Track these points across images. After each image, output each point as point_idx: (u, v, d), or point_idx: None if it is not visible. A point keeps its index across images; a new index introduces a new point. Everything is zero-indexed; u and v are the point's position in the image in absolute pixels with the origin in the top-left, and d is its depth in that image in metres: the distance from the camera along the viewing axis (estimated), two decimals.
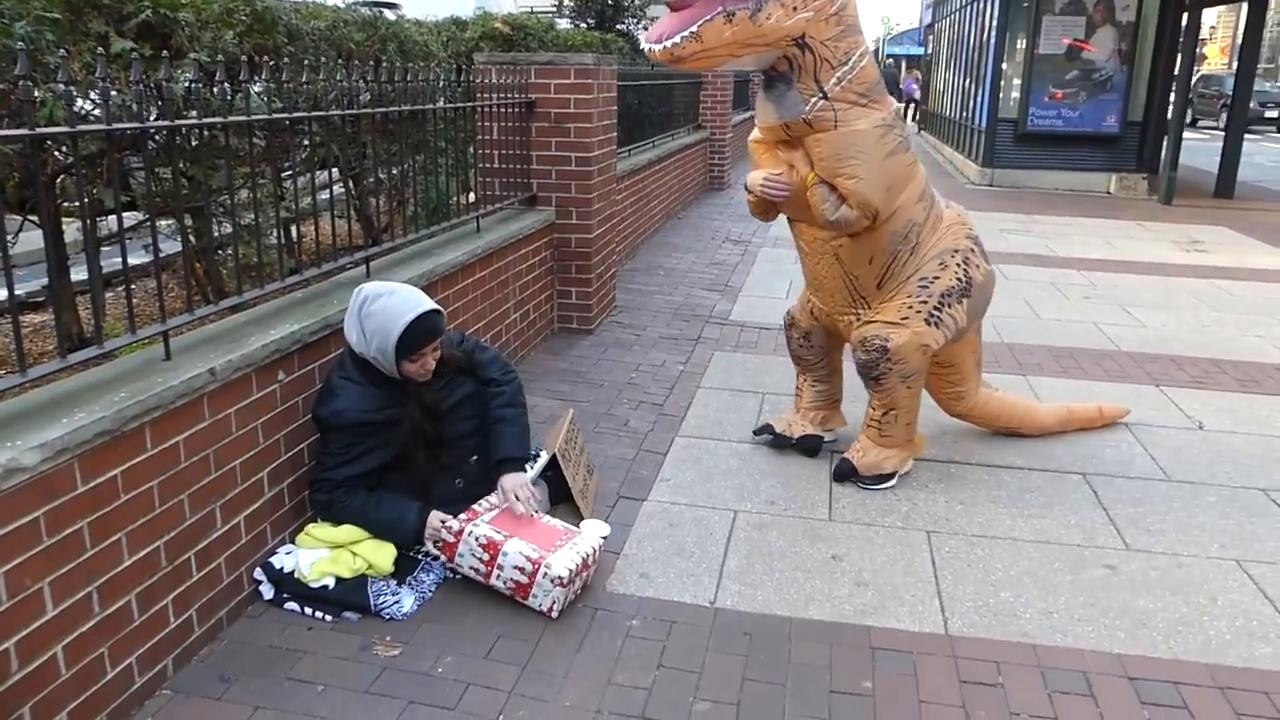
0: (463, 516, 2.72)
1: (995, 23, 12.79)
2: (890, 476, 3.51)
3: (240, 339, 2.58)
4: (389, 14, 9.68)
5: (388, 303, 2.73)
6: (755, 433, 3.89)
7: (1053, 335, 5.60)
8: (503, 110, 4.86)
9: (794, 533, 3.16)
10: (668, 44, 2.82)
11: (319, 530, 2.68)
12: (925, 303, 3.36)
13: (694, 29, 2.81)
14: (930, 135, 20.49)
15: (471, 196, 5.08)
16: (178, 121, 3.00)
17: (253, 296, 2.75)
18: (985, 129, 12.89)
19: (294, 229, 4.30)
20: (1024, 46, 12.41)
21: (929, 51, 23.68)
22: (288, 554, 2.66)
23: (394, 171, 4.53)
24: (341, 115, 3.54)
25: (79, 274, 4.18)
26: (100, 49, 3.16)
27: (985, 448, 3.90)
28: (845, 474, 3.52)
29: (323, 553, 2.63)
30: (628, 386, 4.52)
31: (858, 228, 3.20)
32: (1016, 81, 12.60)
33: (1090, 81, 12.25)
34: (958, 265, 3.43)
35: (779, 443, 3.80)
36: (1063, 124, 12.43)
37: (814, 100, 3.05)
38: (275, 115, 2.87)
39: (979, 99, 13.56)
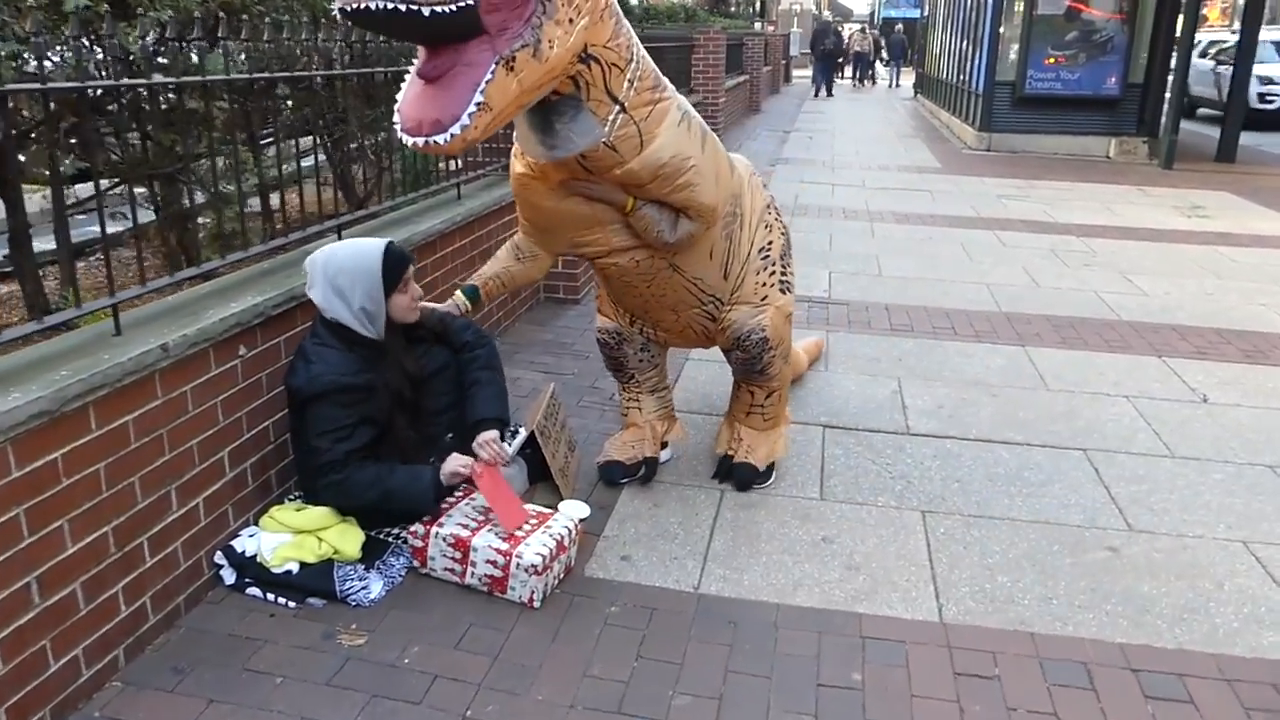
0: (427, 519, 2.59)
1: None
2: (780, 457, 3.29)
3: (198, 312, 2.43)
4: None
5: (351, 250, 2.64)
6: (604, 480, 3.20)
7: (1052, 304, 5.46)
8: None
9: (783, 513, 3.04)
10: (455, 130, 1.98)
11: (282, 514, 2.55)
12: (773, 273, 3.07)
13: (480, 98, 1.99)
14: (926, 99, 20.18)
15: (455, 163, 4.91)
16: (153, 80, 2.85)
17: (211, 268, 2.60)
18: (983, 92, 12.64)
19: (269, 197, 4.13)
20: (1022, 8, 12.14)
21: (925, 14, 23.28)
22: (250, 537, 2.53)
23: (374, 138, 4.37)
24: (308, 76, 3.36)
25: (42, 244, 4.02)
26: (50, 6, 2.99)
27: (983, 422, 3.78)
28: (747, 480, 3.17)
29: (286, 537, 2.50)
30: None
31: (698, 237, 2.74)
32: (1014, 44, 12.33)
33: (1090, 43, 11.99)
34: (774, 220, 3.17)
35: (628, 474, 3.19)
36: (1061, 87, 12.18)
37: (612, 117, 2.39)
38: (246, 76, 2.70)
39: (976, 62, 13.30)
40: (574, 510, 2.74)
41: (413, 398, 2.65)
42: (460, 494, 2.72)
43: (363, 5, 1.79)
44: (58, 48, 3.02)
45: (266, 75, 2.96)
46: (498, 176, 4.80)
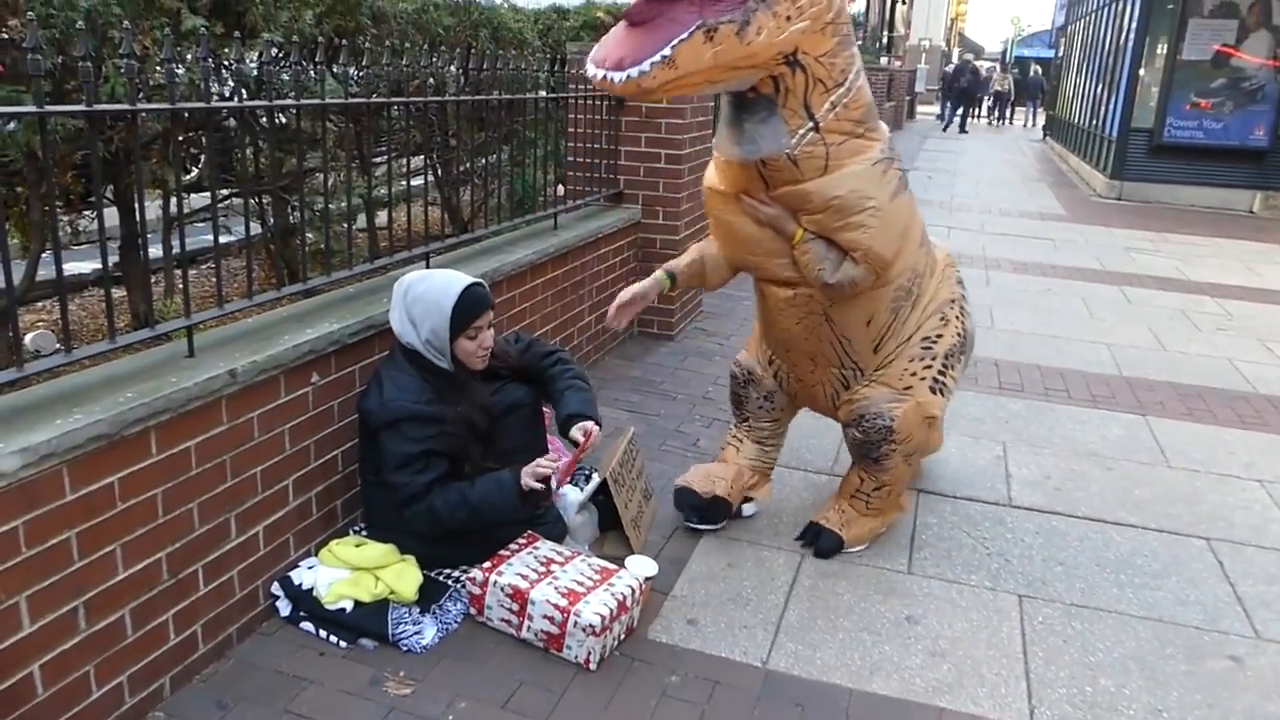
0: (486, 565, 2.49)
1: (1134, 25, 11.93)
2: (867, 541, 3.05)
3: (273, 336, 2.42)
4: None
5: (433, 283, 2.58)
6: (677, 505, 3.08)
7: (1179, 370, 5.05)
8: (592, 102, 4.64)
9: (866, 585, 2.84)
10: (633, 73, 2.07)
11: (341, 549, 2.49)
12: (929, 367, 2.84)
13: (667, 52, 2.06)
14: (1056, 142, 19.43)
15: (560, 190, 4.89)
16: (244, 103, 2.89)
17: (290, 293, 2.58)
18: (1116, 138, 12.04)
19: (374, 217, 4.16)
20: (1165, 51, 11.52)
21: (1059, 55, 22.46)
22: (309, 569, 2.49)
23: (477, 163, 4.38)
24: (420, 102, 3.37)
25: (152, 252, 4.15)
26: (169, 26, 3.07)
27: (1094, 498, 3.48)
28: (829, 550, 2.95)
29: (343, 573, 2.45)
30: (702, 401, 4.24)
31: (864, 288, 2.62)
32: (1154, 88, 11.71)
33: (1238, 90, 11.30)
34: (956, 317, 2.94)
35: (696, 503, 3.03)
36: (1204, 136, 11.51)
37: (802, 132, 2.38)
38: (348, 100, 2.71)
39: (1111, 106, 12.70)
40: (641, 568, 2.61)
41: (487, 430, 2.57)
42: (523, 541, 2.62)
43: None
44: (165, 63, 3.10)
45: (383, 100, 2.94)
46: (597, 207, 4.75)
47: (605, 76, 2.11)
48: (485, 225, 3.64)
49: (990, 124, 27.99)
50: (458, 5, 4.66)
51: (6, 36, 2.56)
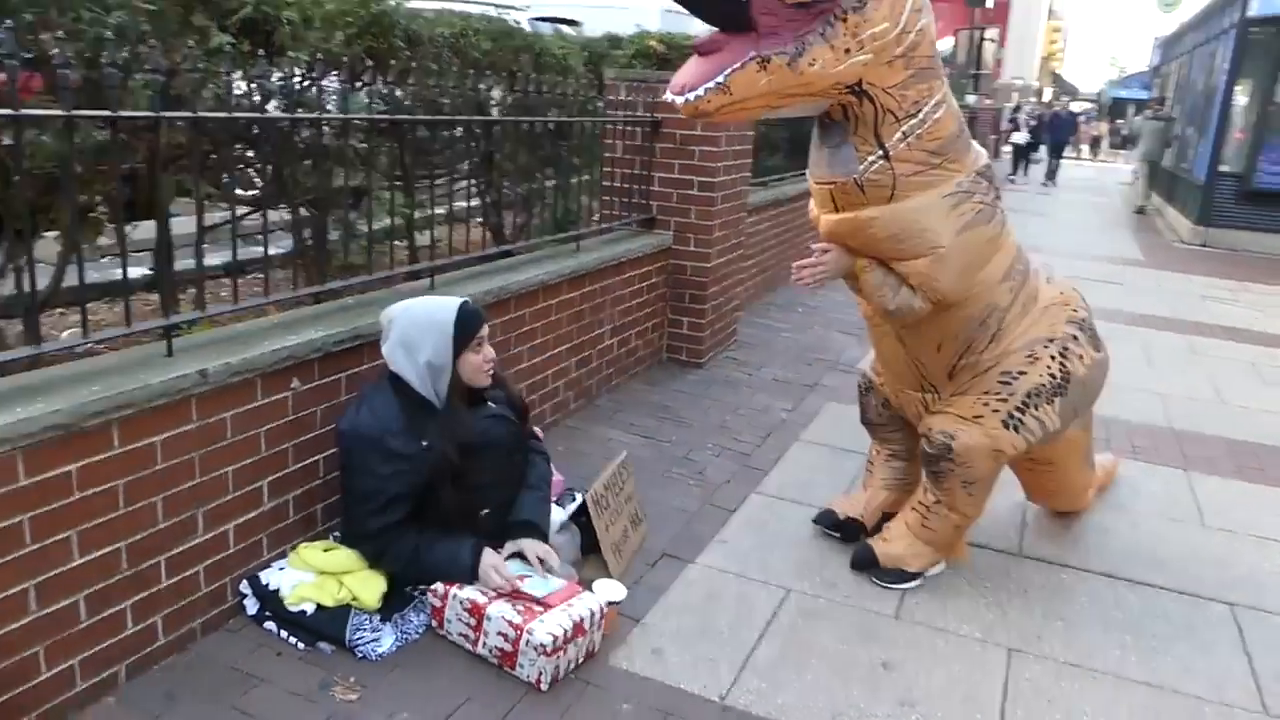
0: None
1: (1227, 67, 11.47)
2: (913, 577, 2.98)
3: (255, 342, 2.47)
4: (568, 30, 9.77)
5: (426, 306, 2.61)
6: (815, 521, 3.30)
7: (1236, 426, 4.78)
8: (628, 129, 4.68)
9: (847, 626, 2.74)
10: (690, 96, 2.31)
11: (309, 553, 2.52)
12: (1005, 401, 2.82)
13: (721, 79, 2.28)
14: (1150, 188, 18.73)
15: (596, 216, 4.92)
16: (264, 115, 3.00)
17: (281, 300, 2.65)
18: (1204, 183, 11.56)
19: (411, 231, 4.25)
20: (1258, 93, 11.05)
21: (1154, 96, 21.74)
22: (280, 570, 2.53)
23: (518, 184, 4.46)
24: (437, 120, 3.45)
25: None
26: (197, 42, 3.20)
27: (1113, 553, 3.30)
28: (862, 562, 3.02)
29: (308, 576, 2.48)
30: (718, 430, 4.19)
31: (922, 315, 2.69)
32: (1246, 133, 11.23)
33: None
34: (1051, 358, 2.86)
35: (831, 525, 3.24)
36: None
37: (871, 159, 2.48)
38: (365, 115, 2.80)
39: (1200, 149, 12.21)
40: (606, 591, 2.57)
41: (459, 466, 2.55)
42: None
43: None
44: (188, 75, 3.23)
45: (408, 119, 3.03)
46: (629, 231, 4.76)
47: (671, 99, 2.37)
48: (499, 244, 3.67)
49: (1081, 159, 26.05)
50: (500, 31, 4.74)
51: (37, 54, 2.70)
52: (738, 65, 2.28)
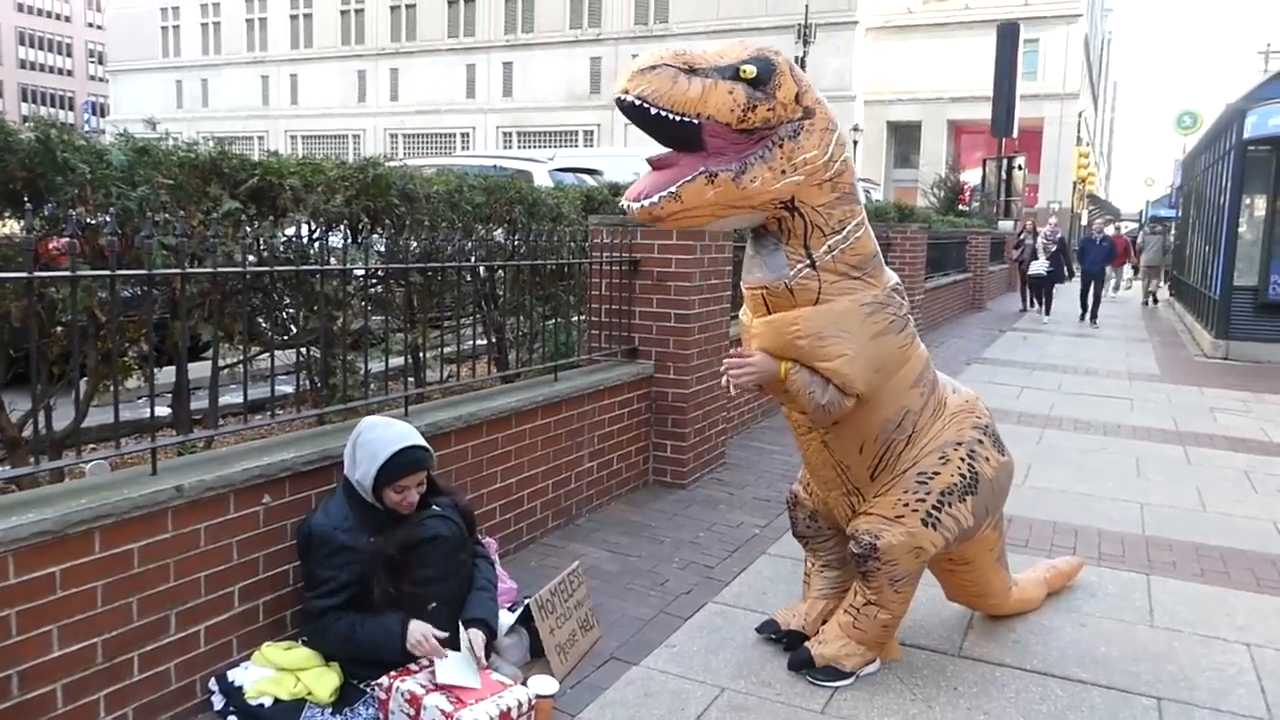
0: (394, 673, 2.76)
1: (1230, 183, 11.78)
2: (847, 675, 3.15)
3: (233, 461, 2.85)
4: (590, 180, 10.46)
5: (381, 433, 2.94)
6: (758, 630, 3.48)
7: (1211, 532, 4.85)
8: (611, 267, 5.12)
9: None
10: (646, 203, 2.65)
11: (271, 651, 2.81)
12: (923, 501, 3.07)
13: (674, 189, 2.63)
14: (1177, 302, 18.82)
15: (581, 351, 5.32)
16: (275, 268, 3.50)
17: (242, 429, 3.06)
18: (1220, 297, 11.69)
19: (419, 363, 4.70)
20: (1265, 206, 11.29)
21: (1179, 215, 22.03)
22: (245, 669, 2.82)
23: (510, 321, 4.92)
24: (426, 267, 3.92)
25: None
26: (211, 209, 3.74)
27: (1051, 652, 3.42)
28: (799, 664, 3.20)
29: (269, 672, 2.76)
30: (687, 545, 4.42)
31: (844, 411, 2.94)
32: (1256, 247, 11.42)
33: None
34: (961, 459, 3.12)
35: (775, 634, 3.42)
36: None
37: (800, 267, 2.83)
38: (342, 267, 3.26)
39: (1215, 264, 12.39)
40: (538, 685, 2.80)
41: (399, 562, 2.87)
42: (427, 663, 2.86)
43: (621, 97, 2.51)
44: (209, 239, 3.77)
45: (397, 266, 3.48)
46: (612, 362, 5.13)
47: (626, 205, 2.72)
48: (475, 375, 4.06)
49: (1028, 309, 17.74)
50: (494, 185, 5.29)
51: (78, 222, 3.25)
52: (689, 178, 2.63)
